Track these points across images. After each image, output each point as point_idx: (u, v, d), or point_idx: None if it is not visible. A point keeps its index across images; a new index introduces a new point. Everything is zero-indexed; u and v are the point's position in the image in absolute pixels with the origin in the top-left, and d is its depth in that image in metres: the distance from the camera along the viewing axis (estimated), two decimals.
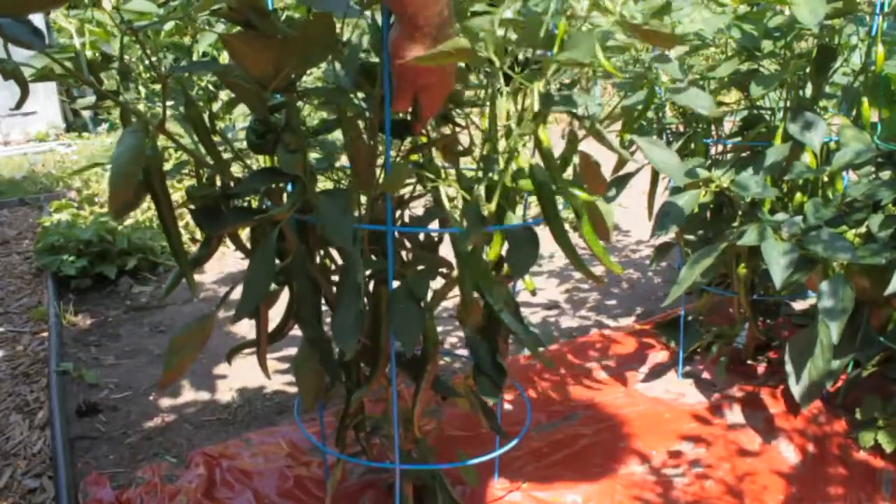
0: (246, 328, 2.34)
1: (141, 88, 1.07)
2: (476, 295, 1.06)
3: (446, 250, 1.22)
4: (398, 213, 1.16)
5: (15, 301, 2.65)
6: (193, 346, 0.96)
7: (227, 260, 2.96)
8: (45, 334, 2.32)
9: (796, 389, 1.51)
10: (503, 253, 1.09)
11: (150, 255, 2.88)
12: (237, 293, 0.97)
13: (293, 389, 1.96)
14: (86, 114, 5.68)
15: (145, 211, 3.16)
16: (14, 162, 4.81)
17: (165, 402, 1.91)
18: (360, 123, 0.98)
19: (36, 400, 1.93)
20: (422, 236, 1.19)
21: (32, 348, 2.25)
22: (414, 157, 1.09)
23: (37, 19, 4.33)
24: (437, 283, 1.14)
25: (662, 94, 1.50)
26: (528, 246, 0.98)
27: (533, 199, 1.62)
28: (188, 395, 1.95)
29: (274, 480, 1.48)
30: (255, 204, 1.07)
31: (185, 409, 1.88)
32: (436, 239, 1.20)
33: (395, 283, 1.06)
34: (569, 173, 1.13)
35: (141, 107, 1.06)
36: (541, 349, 1.20)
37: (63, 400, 1.86)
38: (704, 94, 1.19)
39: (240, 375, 2.03)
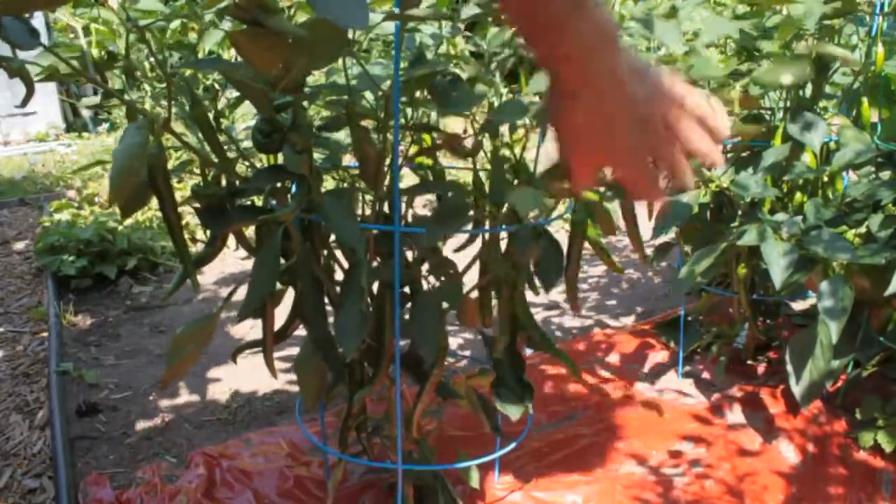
0: (246, 328, 2.34)
1: (146, 87, 1.07)
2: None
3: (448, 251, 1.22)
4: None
5: (15, 301, 2.65)
6: (196, 345, 0.96)
7: (228, 260, 2.96)
8: (45, 334, 2.32)
9: (797, 389, 1.51)
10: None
11: (150, 255, 2.87)
12: (239, 294, 0.97)
13: (294, 389, 1.96)
14: (86, 114, 5.68)
15: (145, 211, 3.16)
16: (14, 162, 4.81)
17: (165, 402, 1.91)
18: (371, 123, 0.98)
19: (36, 400, 1.93)
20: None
21: (32, 348, 2.25)
22: (420, 158, 1.09)
23: (38, 19, 4.33)
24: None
25: None
26: (555, 256, 0.98)
27: None
28: (188, 395, 1.95)
29: (274, 480, 1.48)
30: (259, 203, 1.07)
31: (185, 409, 1.88)
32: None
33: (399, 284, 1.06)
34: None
35: (147, 106, 1.06)
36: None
37: (63, 400, 1.86)
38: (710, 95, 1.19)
39: (240, 375, 2.03)
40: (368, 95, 1.06)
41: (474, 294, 1.13)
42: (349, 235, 0.85)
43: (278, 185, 1.00)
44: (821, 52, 1.42)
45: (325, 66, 0.98)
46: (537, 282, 1.07)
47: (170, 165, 0.94)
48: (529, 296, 1.12)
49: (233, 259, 2.97)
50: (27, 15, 0.77)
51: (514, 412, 1.11)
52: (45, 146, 5.32)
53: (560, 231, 3.32)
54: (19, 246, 3.27)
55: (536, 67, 1.03)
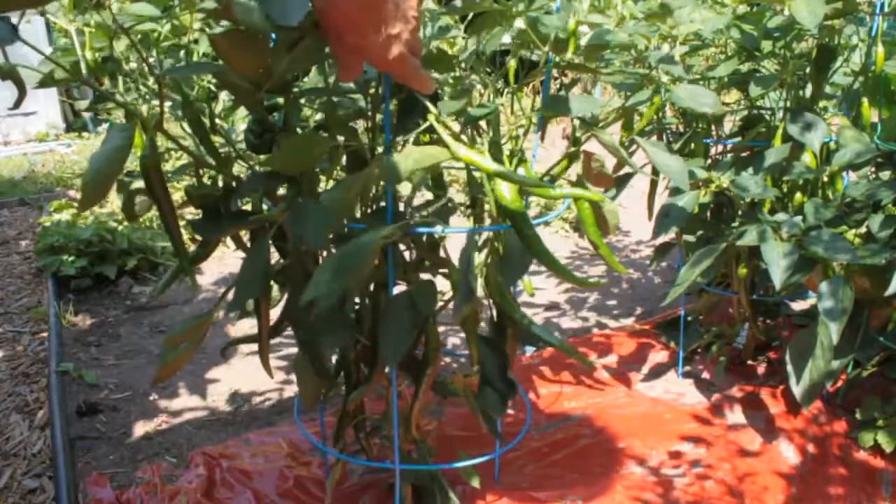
0: (246, 328, 2.34)
1: (142, 88, 1.07)
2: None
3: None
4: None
5: (15, 301, 2.65)
6: (190, 343, 0.96)
7: (227, 260, 2.96)
8: (45, 334, 2.32)
9: (797, 390, 1.51)
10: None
11: (150, 255, 2.87)
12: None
13: (293, 389, 1.96)
14: (86, 114, 5.68)
15: None
16: (14, 162, 4.81)
17: (165, 402, 1.91)
18: (361, 123, 0.98)
19: (36, 400, 1.93)
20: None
21: (32, 348, 2.25)
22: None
23: (37, 21, 4.32)
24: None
25: (663, 94, 1.49)
26: (521, 255, 0.97)
27: (533, 199, 1.62)
28: (188, 395, 1.95)
29: (274, 480, 1.48)
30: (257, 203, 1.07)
31: (185, 409, 1.88)
32: (437, 238, 1.20)
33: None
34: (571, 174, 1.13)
35: (144, 108, 1.06)
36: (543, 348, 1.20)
37: (63, 400, 1.86)
38: (707, 91, 1.18)
39: (239, 375, 2.03)
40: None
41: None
42: (314, 238, 0.84)
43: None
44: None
45: (308, 68, 0.97)
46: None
47: (170, 167, 0.94)
48: (527, 297, 1.11)
49: (232, 259, 2.97)
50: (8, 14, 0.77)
51: (495, 412, 1.11)
52: (45, 146, 5.32)
53: (559, 231, 3.32)
54: (19, 246, 3.27)
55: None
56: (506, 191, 0.92)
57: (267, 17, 0.69)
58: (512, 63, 1.02)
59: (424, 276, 1.17)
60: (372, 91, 0.99)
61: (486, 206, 1.09)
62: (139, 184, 0.92)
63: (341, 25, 0.75)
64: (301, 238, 0.84)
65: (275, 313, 1.16)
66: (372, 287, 1.09)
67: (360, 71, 0.82)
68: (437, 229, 0.98)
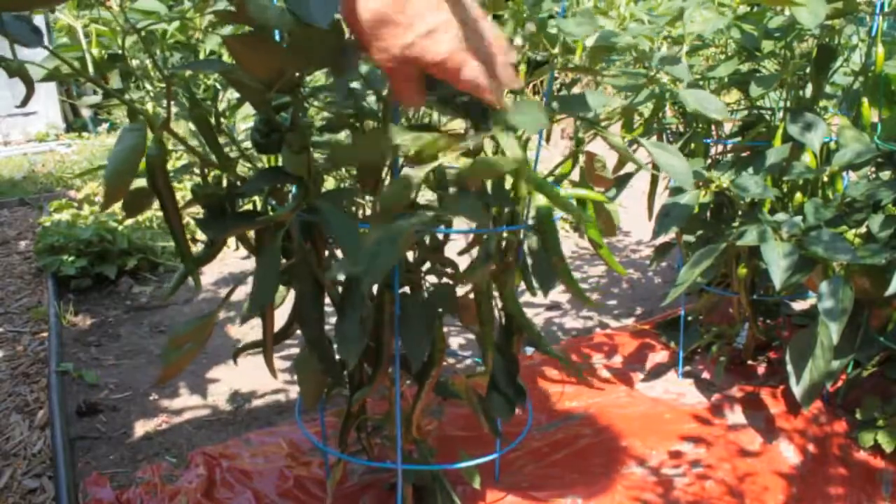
0: (245, 328, 2.34)
1: (148, 87, 1.07)
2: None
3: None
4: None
5: (15, 301, 2.65)
6: (194, 343, 0.96)
7: (228, 260, 2.96)
8: (45, 334, 2.32)
9: (797, 390, 1.51)
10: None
11: (150, 255, 2.87)
12: (238, 294, 0.97)
13: (294, 389, 1.96)
14: (86, 114, 5.68)
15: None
16: (14, 162, 4.81)
17: (165, 402, 1.91)
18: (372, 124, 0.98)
19: (36, 400, 1.93)
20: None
21: (32, 348, 2.25)
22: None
23: (37, 19, 4.32)
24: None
25: (667, 96, 1.49)
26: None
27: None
28: (188, 395, 1.95)
29: (274, 480, 1.48)
30: (260, 203, 1.07)
31: (185, 409, 1.88)
32: (441, 239, 1.20)
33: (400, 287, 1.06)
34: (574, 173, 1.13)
35: (149, 106, 1.06)
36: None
37: (63, 400, 1.86)
38: (714, 97, 1.18)
39: (240, 375, 2.03)
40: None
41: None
42: (347, 239, 0.84)
43: (279, 186, 1.00)
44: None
45: (321, 69, 0.97)
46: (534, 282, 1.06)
47: (169, 166, 0.93)
48: (528, 296, 1.11)
49: (233, 259, 2.97)
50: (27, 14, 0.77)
51: (504, 417, 1.11)
52: (45, 146, 5.32)
53: (559, 231, 3.32)
54: (19, 246, 3.27)
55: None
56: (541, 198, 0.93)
57: (294, 17, 0.67)
58: (522, 68, 1.03)
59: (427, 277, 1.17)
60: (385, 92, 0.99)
61: (494, 210, 1.09)
62: (141, 182, 0.93)
63: (358, 32, 0.69)
64: (336, 240, 0.83)
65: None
66: (375, 288, 1.09)
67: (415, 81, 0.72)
68: (462, 229, 0.99)
